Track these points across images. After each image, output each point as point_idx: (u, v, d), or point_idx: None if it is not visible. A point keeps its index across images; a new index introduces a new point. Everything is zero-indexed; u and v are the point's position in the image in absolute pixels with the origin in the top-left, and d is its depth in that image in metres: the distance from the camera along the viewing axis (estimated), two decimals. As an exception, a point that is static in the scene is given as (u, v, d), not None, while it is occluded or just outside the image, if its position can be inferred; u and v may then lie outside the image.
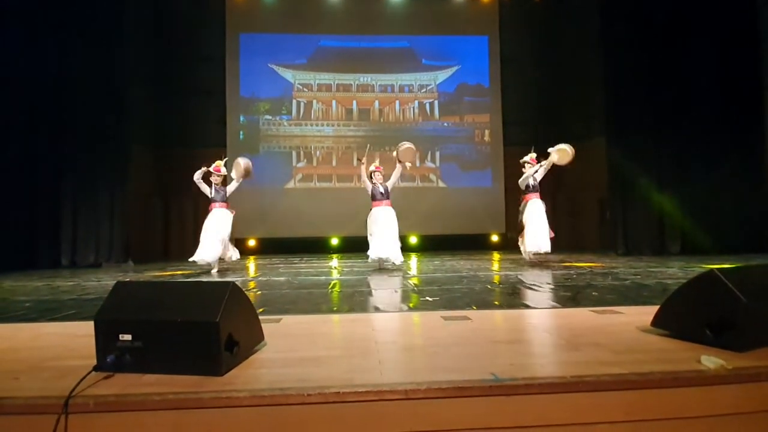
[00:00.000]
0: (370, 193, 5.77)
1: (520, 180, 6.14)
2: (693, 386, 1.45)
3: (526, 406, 1.35)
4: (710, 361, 1.52)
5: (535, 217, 5.87)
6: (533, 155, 6.16)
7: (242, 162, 5.77)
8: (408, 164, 5.69)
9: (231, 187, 5.86)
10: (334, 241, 9.73)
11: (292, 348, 1.87)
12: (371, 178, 5.77)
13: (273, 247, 9.48)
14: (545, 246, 5.77)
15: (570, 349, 1.76)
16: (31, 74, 6.94)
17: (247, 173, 5.75)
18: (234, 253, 5.85)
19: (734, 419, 1.44)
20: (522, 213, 6.04)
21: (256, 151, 9.90)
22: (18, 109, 6.91)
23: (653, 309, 2.18)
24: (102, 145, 7.33)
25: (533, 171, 6.02)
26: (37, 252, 7.04)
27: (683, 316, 1.82)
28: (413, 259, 7.35)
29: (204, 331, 1.50)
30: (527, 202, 6.02)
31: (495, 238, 10.05)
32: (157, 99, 9.02)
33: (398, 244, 5.61)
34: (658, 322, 1.91)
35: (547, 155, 6.04)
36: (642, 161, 7.51)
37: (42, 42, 7.01)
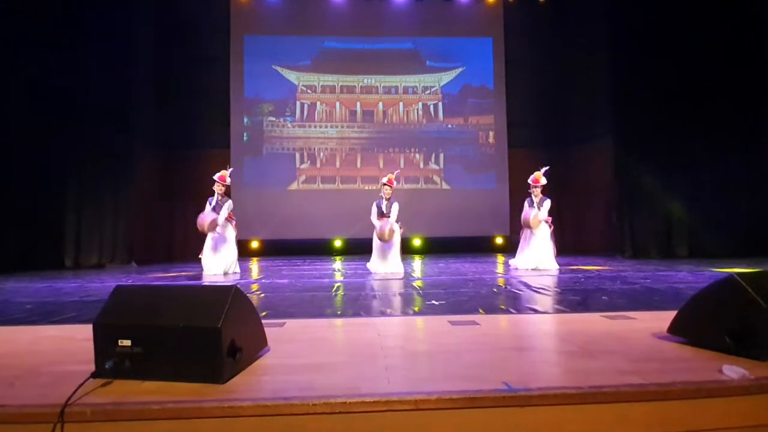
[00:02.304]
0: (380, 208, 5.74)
1: (526, 213, 5.83)
2: (715, 397, 1.39)
3: (542, 417, 1.29)
4: (732, 370, 1.45)
5: (536, 239, 5.70)
6: (541, 175, 5.82)
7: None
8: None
9: (223, 213, 5.73)
10: (338, 243, 9.68)
11: (296, 354, 1.82)
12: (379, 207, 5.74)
13: (276, 249, 9.44)
14: (546, 265, 5.62)
15: (584, 357, 1.69)
16: (36, 76, 6.93)
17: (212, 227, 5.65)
18: (235, 267, 5.85)
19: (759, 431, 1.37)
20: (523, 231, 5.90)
21: (260, 153, 9.88)
22: (22, 111, 6.90)
23: (667, 314, 2.12)
24: (106, 147, 7.33)
25: (541, 215, 5.76)
26: (40, 253, 7.02)
27: (702, 323, 1.75)
28: (417, 262, 7.29)
29: (205, 337, 1.44)
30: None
31: (499, 240, 9.97)
32: (161, 100, 9.01)
33: (398, 257, 5.62)
34: (675, 328, 1.84)
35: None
36: (649, 163, 7.42)
37: (47, 44, 7.00)
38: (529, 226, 5.77)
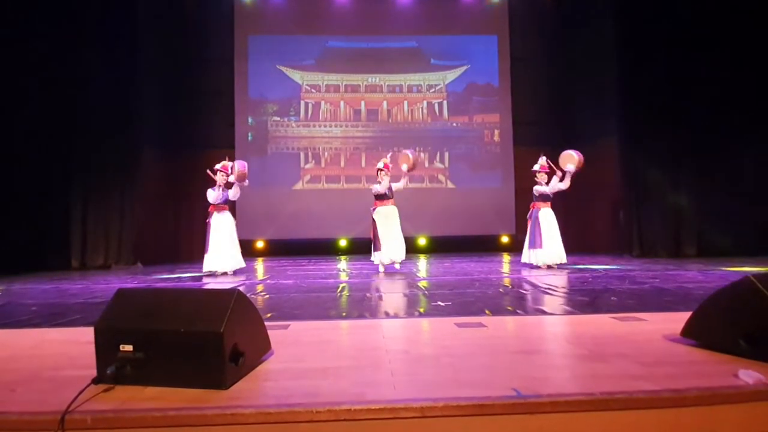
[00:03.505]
0: (377, 191, 5.60)
1: (537, 188, 5.83)
2: (731, 403, 1.34)
3: (553, 425, 1.25)
4: (748, 375, 1.41)
5: (547, 227, 5.67)
6: (543, 161, 5.85)
7: (238, 165, 5.67)
8: (405, 168, 5.50)
9: (233, 193, 5.75)
10: (342, 243, 9.66)
11: (301, 358, 1.79)
12: (377, 174, 5.63)
13: (281, 249, 9.44)
14: (562, 256, 5.62)
15: (595, 361, 1.65)
16: (42, 76, 6.97)
17: (242, 177, 5.63)
18: (239, 262, 5.75)
19: (777, 439, 1.33)
20: (530, 221, 5.85)
21: (265, 153, 9.88)
22: (29, 111, 6.94)
23: (678, 316, 2.08)
24: (112, 147, 7.34)
25: (553, 186, 5.73)
26: (47, 254, 7.07)
27: (716, 325, 1.70)
28: (422, 261, 7.25)
29: (207, 342, 1.42)
30: (537, 210, 5.80)
31: (505, 239, 9.90)
32: (166, 101, 9.02)
33: (403, 244, 5.53)
34: (688, 331, 1.80)
35: (556, 162, 5.83)
36: (657, 161, 7.33)
37: (52, 44, 7.04)
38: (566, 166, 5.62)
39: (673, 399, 1.31)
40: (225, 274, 5.62)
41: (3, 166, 6.73)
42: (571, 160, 5.67)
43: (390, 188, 5.56)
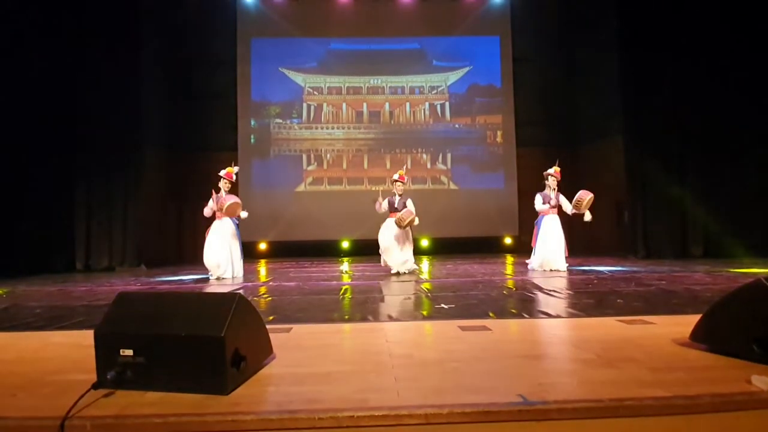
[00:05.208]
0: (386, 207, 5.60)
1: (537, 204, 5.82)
2: (744, 410, 1.31)
3: (560, 432, 1.22)
4: (762, 381, 1.37)
5: (549, 235, 5.60)
6: (557, 168, 5.78)
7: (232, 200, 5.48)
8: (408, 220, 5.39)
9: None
10: (345, 245, 9.65)
11: (303, 362, 1.77)
12: (391, 189, 5.65)
13: (284, 251, 9.44)
14: (557, 264, 5.51)
15: (602, 366, 1.62)
16: (46, 78, 7.00)
17: (231, 212, 5.46)
18: (236, 270, 5.56)
19: (792, 447, 1.29)
20: (536, 227, 5.82)
21: (267, 155, 9.89)
22: (33, 113, 6.97)
23: (687, 319, 2.05)
24: (116, 149, 7.37)
25: (547, 202, 5.71)
26: (52, 256, 7.09)
27: (727, 329, 1.67)
28: (425, 263, 7.22)
29: (209, 347, 1.40)
30: (542, 217, 5.76)
31: (508, 240, 9.86)
32: (169, 103, 9.05)
33: (408, 253, 5.50)
34: (697, 335, 1.76)
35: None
36: (661, 161, 7.27)
37: (56, 47, 7.07)
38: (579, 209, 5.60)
39: (684, 405, 1.28)
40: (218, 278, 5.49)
41: (6, 168, 6.76)
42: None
43: (390, 205, 5.57)
